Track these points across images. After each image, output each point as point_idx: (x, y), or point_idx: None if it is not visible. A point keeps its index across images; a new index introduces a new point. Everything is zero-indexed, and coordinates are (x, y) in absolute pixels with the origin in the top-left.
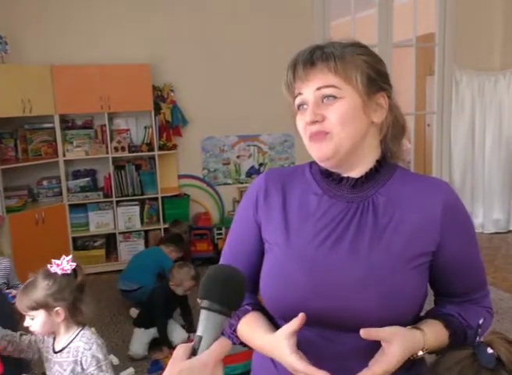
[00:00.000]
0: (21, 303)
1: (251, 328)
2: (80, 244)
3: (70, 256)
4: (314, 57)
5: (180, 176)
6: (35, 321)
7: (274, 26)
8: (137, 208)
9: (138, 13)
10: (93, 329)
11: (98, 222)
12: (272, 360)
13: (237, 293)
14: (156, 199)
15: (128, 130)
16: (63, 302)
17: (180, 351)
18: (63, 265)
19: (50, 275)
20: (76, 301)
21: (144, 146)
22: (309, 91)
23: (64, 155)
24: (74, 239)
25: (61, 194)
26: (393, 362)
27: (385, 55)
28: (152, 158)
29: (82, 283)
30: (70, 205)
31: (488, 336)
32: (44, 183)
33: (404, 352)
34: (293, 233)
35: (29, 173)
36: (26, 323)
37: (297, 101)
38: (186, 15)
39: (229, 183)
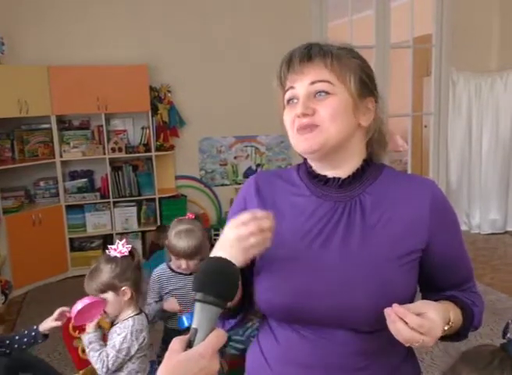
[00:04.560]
0: (89, 287)
1: None
2: (77, 245)
3: (124, 240)
4: (311, 52)
5: (177, 177)
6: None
7: (271, 26)
8: (134, 209)
9: (135, 14)
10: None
11: (95, 223)
12: (267, 362)
13: (231, 284)
14: (153, 200)
15: (125, 130)
16: (128, 282)
17: (176, 343)
18: (120, 248)
19: (111, 259)
20: (137, 279)
21: (141, 147)
22: (302, 85)
23: (61, 156)
24: (71, 240)
25: (58, 195)
26: (436, 325)
27: (383, 56)
28: (149, 159)
29: (139, 262)
30: (67, 206)
31: None
32: (41, 184)
33: (441, 321)
34: (283, 234)
35: (25, 174)
36: None
37: (288, 95)
38: (183, 15)
39: (226, 184)
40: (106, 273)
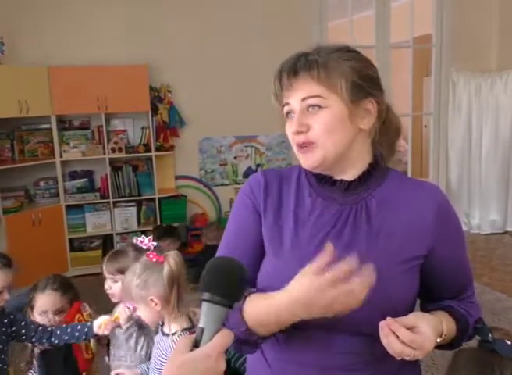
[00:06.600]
0: (110, 266)
1: (263, 296)
2: (77, 245)
3: (151, 236)
4: (297, 66)
5: (177, 177)
6: (117, 285)
7: (271, 27)
8: (134, 209)
9: (136, 14)
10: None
11: (95, 223)
12: (267, 360)
13: (238, 284)
14: (153, 200)
15: (125, 130)
16: None
17: (182, 343)
18: (145, 242)
19: (138, 249)
20: None
21: (141, 147)
22: (295, 100)
23: (61, 156)
24: (71, 240)
25: (57, 195)
26: (428, 339)
27: (383, 56)
28: (149, 159)
29: None
30: (67, 206)
31: (497, 333)
32: (41, 184)
33: (433, 335)
34: (289, 237)
35: (25, 174)
36: (107, 286)
37: (285, 110)
38: (183, 16)
39: (226, 184)
40: (131, 258)
